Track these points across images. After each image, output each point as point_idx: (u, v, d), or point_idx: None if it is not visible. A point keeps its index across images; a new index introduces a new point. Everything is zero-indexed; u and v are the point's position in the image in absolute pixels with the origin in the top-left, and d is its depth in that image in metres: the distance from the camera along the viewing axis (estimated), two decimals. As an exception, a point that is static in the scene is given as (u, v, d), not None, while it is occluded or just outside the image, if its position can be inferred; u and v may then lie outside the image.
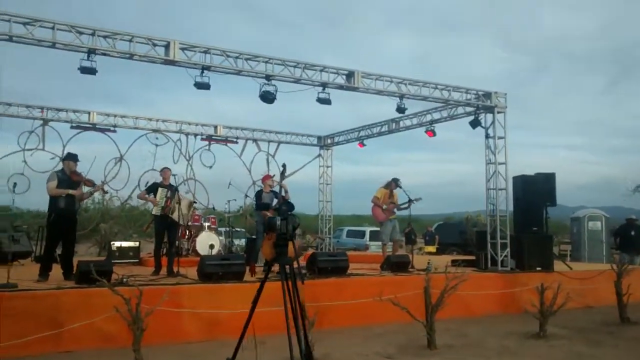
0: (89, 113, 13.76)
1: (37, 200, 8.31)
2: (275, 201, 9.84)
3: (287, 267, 4.27)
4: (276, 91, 9.47)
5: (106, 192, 10.18)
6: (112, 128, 13.94)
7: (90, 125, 13.73)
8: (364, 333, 7.95)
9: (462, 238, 22.10)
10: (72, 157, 8.63)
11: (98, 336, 6.63)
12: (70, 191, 8.32)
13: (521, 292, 9.83)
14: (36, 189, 11.97)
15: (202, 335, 7.42)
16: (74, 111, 13.71)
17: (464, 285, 9.18)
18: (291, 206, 4.31)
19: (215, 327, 7.45)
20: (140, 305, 5.58)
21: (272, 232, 4.48)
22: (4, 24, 7.35)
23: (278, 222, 4.25)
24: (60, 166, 9.44)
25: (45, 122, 13.25)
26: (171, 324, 7.15)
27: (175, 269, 9.14)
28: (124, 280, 7.80)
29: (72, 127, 13.46)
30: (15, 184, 8.70)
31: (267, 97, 9.39)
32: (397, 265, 10.23)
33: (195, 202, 9.82)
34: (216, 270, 8.18)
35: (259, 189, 10.66)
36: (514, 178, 11.71)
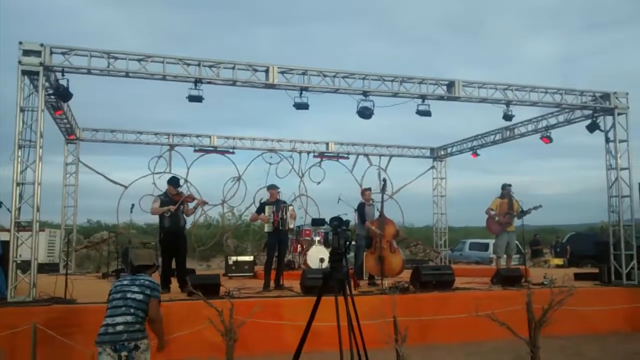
0: (210, 137, 14.84)
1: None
2: (377, 214, 9.90)
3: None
4: (373, 106, 9.57)
5: (206, 204, 10.98)
6: (230, 150, 14.88)
7: (212, 148, 14.78)
8: (467, 350, 7.72)
9: (597, 250, 20.49)
10: (171, 182, 9.31)
11: (204, 346, 7.06)
12: (167, 207, 8.90)
13: (650, 309, 8.98)
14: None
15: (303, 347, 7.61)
16: (197, 136, 14.85)
17: (586, 300, 8.63)
18: (342, 220, 4.32)
19: (316, 339, 7.60)
20: (234, 317, 5.90)
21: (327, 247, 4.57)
22: (121, 62, 8.22)
23: (330, 237, 4.35)
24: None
25: (172, 147, 14.46)
26: (273, 336, 7.44)
27: (281, 282, 9.48)
28: (231, 292, 8.27)
29: (195, 151, 14.58)
30: (133, 204, 9.50)
31: (365, 113, 9.53)
32: (508, 279, 9.81)
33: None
34: (317, 284, 8.37)
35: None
36: (641, 184, 10.77)
